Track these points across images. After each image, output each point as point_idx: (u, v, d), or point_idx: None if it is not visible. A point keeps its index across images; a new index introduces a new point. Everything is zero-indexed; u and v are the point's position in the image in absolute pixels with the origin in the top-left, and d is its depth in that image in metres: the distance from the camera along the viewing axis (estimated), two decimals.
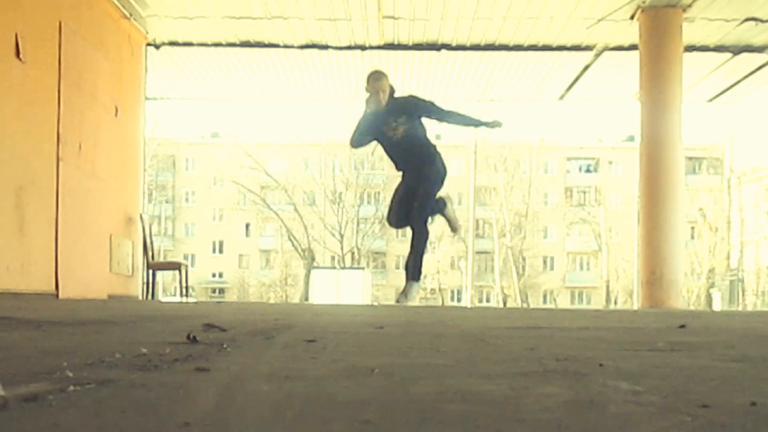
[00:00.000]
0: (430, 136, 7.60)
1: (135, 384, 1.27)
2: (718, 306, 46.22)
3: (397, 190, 7.68)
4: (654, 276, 10.28)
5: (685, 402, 1.15)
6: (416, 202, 7.39)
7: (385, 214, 8.00)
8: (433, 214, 7.67)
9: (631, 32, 11.16)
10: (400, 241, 57.57)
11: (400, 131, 7.33)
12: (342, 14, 10.93)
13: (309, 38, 11.87)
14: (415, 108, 7.43)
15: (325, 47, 12.15)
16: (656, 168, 10.45)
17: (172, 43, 12.00)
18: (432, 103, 7.49)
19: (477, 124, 7.54)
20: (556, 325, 3.78)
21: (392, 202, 7.72)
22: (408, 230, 7.73)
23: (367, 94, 7.48)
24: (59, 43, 8.49)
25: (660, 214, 10.39)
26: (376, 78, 7.47)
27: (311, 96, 15.13)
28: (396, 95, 7.51)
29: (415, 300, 7.74)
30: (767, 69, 12.89)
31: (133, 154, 11.20)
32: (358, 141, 7.62)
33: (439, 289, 53.71)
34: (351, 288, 30.68)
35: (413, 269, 7.51)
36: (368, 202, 57.84)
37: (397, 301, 7.74)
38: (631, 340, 2.63)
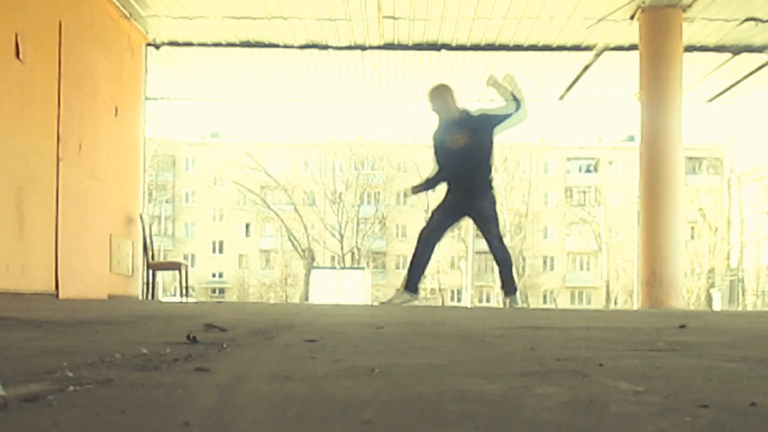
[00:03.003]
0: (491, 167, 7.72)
1: (135, 384, 1.27)
2: (718, 306, 46.22)
3: (442, 207, 7.75)
4: (654, 276, 10.27)
5: (685, 402, 1.15)
6: (495, 239, 7.69)
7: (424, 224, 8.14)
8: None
9: (631, 32, 11.16)
10: (400, 241, 57.58)
11: (462, 142, 7.46)
12: (342, 14, 10.93)
13: (309, 38, 11.87)
14: (485, 122, 7.56)
15: (325, 47, 12.15)
16: (656, 168, 10.44)
17: (172, 43, 11.99)
18: (494, 114, 7.64)
19: (517, 108, 7.54)
20: (556, 325, 3.78)
21: (433, 217, 7.81)
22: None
23: (435, 109, 7.66)
24: (59, 43, 8.49)
25: (660, 214, 10.39)
26: (441, 92, 7.70)
27: (311, 96, 15.13)
28: (468, 111, 7.70)
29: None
30: (767, 69, 12.88)
31: (133, 154, 11.20)
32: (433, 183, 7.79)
33: (439, 289, 53.72)
34: (351, 288, 30.69)
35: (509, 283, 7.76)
36: (368, 202, 57.87)
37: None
38: (631, 340, 2.63)
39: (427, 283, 53.48)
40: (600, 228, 56.15)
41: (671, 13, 10.54)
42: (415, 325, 3.48)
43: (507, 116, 7.53)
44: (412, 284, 7.64)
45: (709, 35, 11.50)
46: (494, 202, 7.68)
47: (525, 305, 8.33)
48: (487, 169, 7.62)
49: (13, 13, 7.53)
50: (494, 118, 7.57)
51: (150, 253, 10.80)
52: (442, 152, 7.61)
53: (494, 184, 7.74)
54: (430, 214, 7.98)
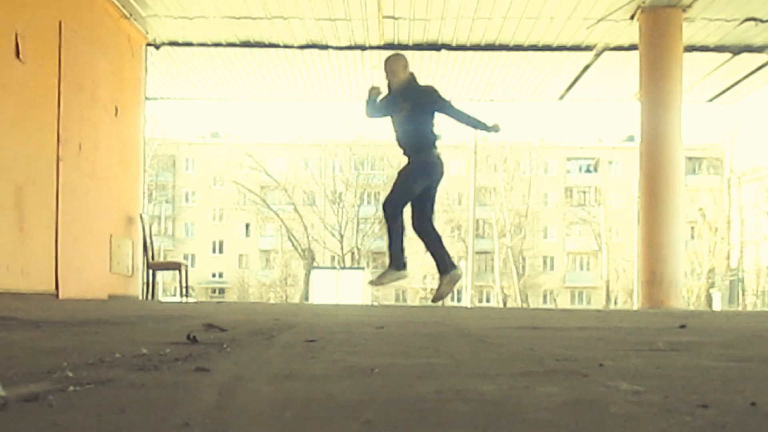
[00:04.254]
0: (436, 136, 7.74)
1: (135, 384, 1.27)
2: (718, 306, 46.22)
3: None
4: (654, 276, 10.27)
5: (685, 402, 1.15)
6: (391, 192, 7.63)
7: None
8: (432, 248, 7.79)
9: (631, 32, 11.16)
10: None
11: (404, 113, 7.59)
12: (342, 14, 10.93)
13: (309, 38, 11.87)
14: (427, 98, 7.62)
15: (325, 47, 12.15)
16: (656, 168, 10.44)
17: (172, 43, 11.99)
18: (446, 101, 7.67)
19: (477, 125, 7.72)
20: (556, 325, 3.78)
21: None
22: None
23: (388, 78, 7.78)
24: (59, 43, 8.49)
25: (660, 214, 10.39)
26: (389, 62, 7.80)
27: (311, 96, 15.13)
28: (418, 83, 7.74)
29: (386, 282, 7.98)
30: (767, 69, 12.88)
31: (133, 154, 11.20)
32: (370, 112, 7.96)
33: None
34: (351, 288, 30.66)
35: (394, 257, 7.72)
36: (368, 202, 57.83)
37: (370, 282, 7.99)
38: (631, 340, 2.63)
39: (427, 283, 53.55)
40: (600, 228, 56.16)
41: (671, 13, 10.54)
42: (415, 325, 3.48)
43: (464, 117, 7.65)
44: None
45: (709, 35, 11.50)
46: (434, 165, 7.66)
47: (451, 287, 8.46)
48: (427, 138, 7.67)
49: (13, 13, 7.53)
50: (443, 104, 7.65)
51: (150, 253, 10.80)
52: (391, 118, 7.77)
53: (437, 151, 7.68)
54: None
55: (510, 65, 13.03)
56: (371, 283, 8.02)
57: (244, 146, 56.83)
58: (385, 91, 7.86)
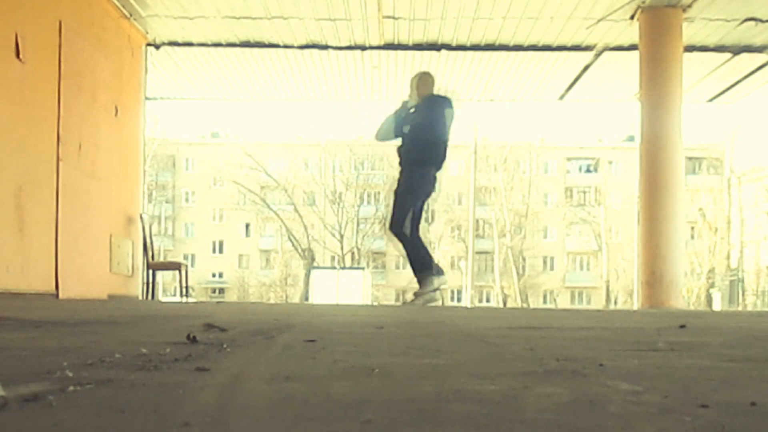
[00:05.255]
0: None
1: (135, 384, 1.27)
2: (718, 306, 46.23)
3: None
4: (654, 276, 10.27)
5: (685, 402, 1.15)
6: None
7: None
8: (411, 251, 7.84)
9: (631, 32, 11.16)
10: None
11: (414, 122, 7.74)
12: (342, 14, 10.93)
13: (309, 38, 11.87)
14: (441, 106, 7.80)
15: (325, 47, 12.15)
16: (656, 168, 10.44)
17: (172, 43, 11.99)
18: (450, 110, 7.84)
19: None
20: (556, 325, 3.78)
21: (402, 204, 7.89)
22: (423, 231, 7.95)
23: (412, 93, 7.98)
24: (59, 43, 8.49)
25: (660, 214, 10.39)
26: (418, 78, 8.04)
27: (311, 96, 15.13)
28: (436, 93, 7.95)
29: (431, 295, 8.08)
30: (767, 69, 12.88)
31: (133, 154, 11.20)
32: (384, 133, 8.01)
33: (439, 289, 53.61)
34: (351, 288, 30.65)
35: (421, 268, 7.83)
36: (368, 202, 57.85)
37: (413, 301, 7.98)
38: (631, 340, 2.63)
39: None
40: (600, 228, 56.18)
41: (671, 13, 10.54)
42: (415, 325, 3.48)
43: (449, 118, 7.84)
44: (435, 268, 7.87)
45: (709, 35, 11.50)
46: (417, 178, 7.73)
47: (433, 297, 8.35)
48: (425, 145, 7.71)
49: (13, 13, 7.53)
50: (449, 113, 7.80)
51: (150, 253, 10.80)
52: (401, 129, 7.87)
53: (424, 159, 7.75)
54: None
55: (510, 65, 13.03)
56: (411, 303, 8.04)
57: (244, 146, 56.85)
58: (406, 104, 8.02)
